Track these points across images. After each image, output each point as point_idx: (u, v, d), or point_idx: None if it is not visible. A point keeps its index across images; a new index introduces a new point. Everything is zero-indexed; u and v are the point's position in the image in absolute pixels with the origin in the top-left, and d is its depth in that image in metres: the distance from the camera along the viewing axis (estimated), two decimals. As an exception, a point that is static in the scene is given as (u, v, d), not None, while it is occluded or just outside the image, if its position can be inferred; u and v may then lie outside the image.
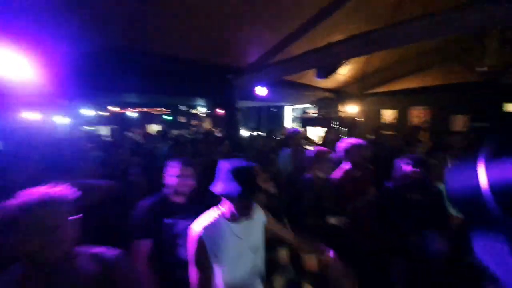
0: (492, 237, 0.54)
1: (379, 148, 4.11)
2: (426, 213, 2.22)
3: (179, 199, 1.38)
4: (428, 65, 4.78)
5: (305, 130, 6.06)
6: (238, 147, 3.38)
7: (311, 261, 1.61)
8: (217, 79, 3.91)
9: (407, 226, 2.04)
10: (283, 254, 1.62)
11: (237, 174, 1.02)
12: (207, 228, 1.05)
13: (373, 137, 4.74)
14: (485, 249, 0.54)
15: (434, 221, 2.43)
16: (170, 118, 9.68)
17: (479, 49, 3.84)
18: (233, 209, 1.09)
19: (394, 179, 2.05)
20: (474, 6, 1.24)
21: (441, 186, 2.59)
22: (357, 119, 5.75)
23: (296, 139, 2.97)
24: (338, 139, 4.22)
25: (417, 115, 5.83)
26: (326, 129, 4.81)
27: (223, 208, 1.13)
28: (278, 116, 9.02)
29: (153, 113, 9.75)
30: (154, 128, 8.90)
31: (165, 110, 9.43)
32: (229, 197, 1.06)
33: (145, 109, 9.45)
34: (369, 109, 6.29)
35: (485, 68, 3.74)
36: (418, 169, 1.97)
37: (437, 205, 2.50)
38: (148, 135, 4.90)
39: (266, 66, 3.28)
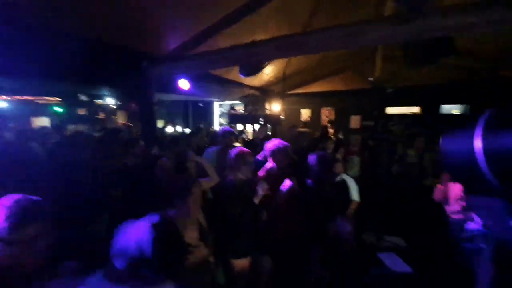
0: (488, 198, 0.58)
1: (300, 144, 4.50)
2: (335, 202, 2.55)
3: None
4: (336, 72, 5.58)
5: (234, 127, 6.05)
6: (153, 144, 2.94)
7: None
8: (130, 66, 3.28)
9: (322, 215, 2.28)
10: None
11: None
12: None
13: (303, 130, 5.21)
14: (483, 209, 0.59)
15: (341, 208, 2.83)
16: (62, 109, 7.63)
17: (370, 62, 4.72)
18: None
19: (310, 174, 2.24)
20: (379, 24, 1.42)
21: (344, 176, 3.05)
22: (281, 117, 6.16)
23: (229, 139, 2.85)
24: (267, 137, 4.39)
25: (326, 114, 6.83)
26: (258, 127, 4.92)
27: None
28: (206, 111, 8.66)
29: (40, 103, 7.47)
30: (43, 122, 6.90)
31: (57, 99, 7.34)
32: None
33: (28, 97, 7.12)
34: (291, 107, 6.88)
35: (373, 79, 4.63)
36: (326, 165, 2.22)
37: (342, 194, 2.93)
38: (22, 132, 3.66)
39: (187, 57, 2.96)
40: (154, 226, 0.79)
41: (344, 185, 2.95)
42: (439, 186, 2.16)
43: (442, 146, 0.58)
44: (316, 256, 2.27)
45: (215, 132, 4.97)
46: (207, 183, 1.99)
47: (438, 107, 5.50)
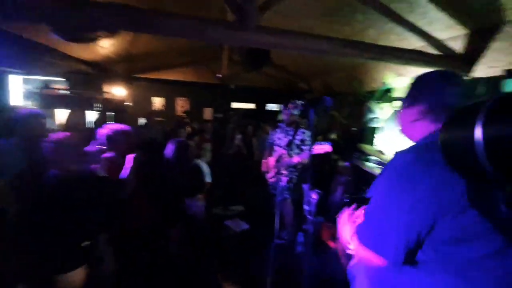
0: (484, 186, 0.57)
1: (152, 133, 4.21)
2: (191, 185, 2.72)
3: None
4: (188, 63, 5.70)
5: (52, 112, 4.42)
6: None
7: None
8: None
9: (177, 199, 2.36)
10: None
11: None
12: None
13: (146, 121, 4.76)
14: (479, 197, 0.58)
15: (196, 190, 3.05)
16: None
17: (219, 61, 5.29)
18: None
19: (167, 161, 2.24)
20: (218, 26, 1.65)
21: (199, 162, 3.31)
22: (127, 103, 5.37)
23: (33, 125, 2.01)
24: (83, 122, 3.62)
25: (181, 104, 6.84)
26: (69, 111, 3.90)
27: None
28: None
29: None
30: None
31: None
32: None
33: None
34: (140, 94, 6.17)
35: (221, 75, 5.24)
36: (183, 151, 2.34)
37: (197, 177, 3.15)
38: None
39: None
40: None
41: (198, 169, 3.21)
42: (263, 160, 2.94)
43: (441, 135, 0.58)
44: (174, 237, 2.32)
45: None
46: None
47: (265, 105, 7.31)
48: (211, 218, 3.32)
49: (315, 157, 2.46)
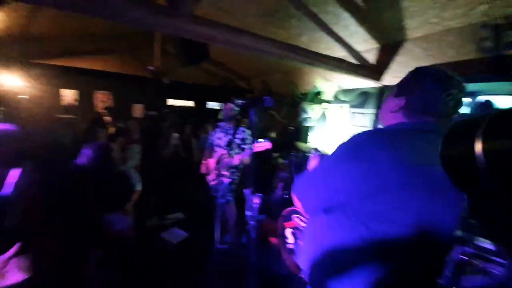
0: (483, 199, 0.55)
1: (57, 135, 3.40)
2: (112, 197, 2.29)
3: None
4: (111, 50, 4.87)
5: None
6: None
7: None
8: None
9: (93, 215, 1.93)
10: None
11: None
12: None
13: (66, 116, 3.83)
14: (477, 211, 0.59)
15: (121, 202, 2.61)
16: None
17: (150, 52, 4.71)
18: None
19: (82, 168, 1.80)
20: (140, 6, 1.38)
21: (123, 168, 2.87)
22: (22, 96, 4.19)
23: None
24: None
25: (102, 99, 5.81)
26: None
27: None
28: None
29: None
30: None
31: None
32: None
33: None
34: (43, 85, 4.91)
35: (153, 68, 4.70)
36: (102, 157, 1.93)
37: (122, 186, 2.71)
38: None
39: None
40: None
41: (124, 177, 2.76)
42: (203, 162, 2.75)
43: (442, 150, 0.56)
44: (91, 263, 1.89)
45: None
46: None
47: (205, 103, 6.99)
48: (144, 233, 2.92)
49: (256, 155, 2.45)
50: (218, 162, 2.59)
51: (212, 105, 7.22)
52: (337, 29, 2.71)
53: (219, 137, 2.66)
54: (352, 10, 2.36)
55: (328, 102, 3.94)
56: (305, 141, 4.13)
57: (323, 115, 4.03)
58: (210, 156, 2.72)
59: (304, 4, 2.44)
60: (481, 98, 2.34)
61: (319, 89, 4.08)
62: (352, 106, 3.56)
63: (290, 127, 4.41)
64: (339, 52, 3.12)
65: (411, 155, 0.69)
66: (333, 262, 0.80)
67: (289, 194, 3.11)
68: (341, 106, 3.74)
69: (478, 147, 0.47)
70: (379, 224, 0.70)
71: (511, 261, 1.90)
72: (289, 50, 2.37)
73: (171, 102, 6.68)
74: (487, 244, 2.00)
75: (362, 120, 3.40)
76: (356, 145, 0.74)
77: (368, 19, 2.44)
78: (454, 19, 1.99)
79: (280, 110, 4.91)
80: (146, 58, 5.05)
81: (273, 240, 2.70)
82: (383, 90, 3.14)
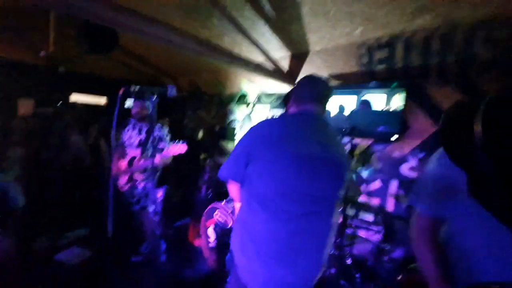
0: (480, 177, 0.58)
1: None
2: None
3: None
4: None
5: None
6: None
7: None
8: None
9: None
10: None
11: None
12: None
13: None
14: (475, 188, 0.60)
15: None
16: None
17: (43, 34, 3.80)
18: None
19: None
20: None
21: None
22: None
23: None
24: None
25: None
26: None
27: None
28: None
29: None
30: None
31: None
32: None
33: None
34: None
35: (45, 53, 3.82)
36: None
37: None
38: None
39: None
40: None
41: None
42: (112, 166, 2.40)
43: (442, 132, 0.62)
44: None
45: None
46: None
47: (123, 100, 6.15)
48: (31, 257, 2.31)
49: (175, 158, 2.32)
50: (130, 164, 2.31)
51: (130, 103, 6.45)
52: (255, 35, 2.89)
53: (131, 136, 2.39)
54: (266, 18, 2.57)
55: (252, 104, 4.15)
56: (232, 141, 4.21)
57: (248, 116, 4.22)
58: (121, 159, 2.40)
59: (223, 6, 2.49)
60: (364, 97, 2.93)
61: (244, 91, 4.25)
62: (273, 108, 3.87)
63: (218, 128, 4.41)
64: (259, 57, 3.33)
65: (290, 134, 1.01)
66: (239, 223, 1.07)
67: (214, 192, 3.09)
68: (263, 108, 4.01)
69: (477, 127, 0.52)
70: (259, 181, 1.00)
71: (383, 229, 2.42)
72: (211, 49, 2.37)
73: (76, 97, 5.58)
74: (367, 217, 2.52)
75: (281, 121, 3.73)
76: (252, 128, 1.09)
77: (279, 29, 2.71)
78: (341, 37, 2.44)
79: (210, 110, 4.84)
80: (38, 41, 4.04)
81: (197, 242, 2.62)
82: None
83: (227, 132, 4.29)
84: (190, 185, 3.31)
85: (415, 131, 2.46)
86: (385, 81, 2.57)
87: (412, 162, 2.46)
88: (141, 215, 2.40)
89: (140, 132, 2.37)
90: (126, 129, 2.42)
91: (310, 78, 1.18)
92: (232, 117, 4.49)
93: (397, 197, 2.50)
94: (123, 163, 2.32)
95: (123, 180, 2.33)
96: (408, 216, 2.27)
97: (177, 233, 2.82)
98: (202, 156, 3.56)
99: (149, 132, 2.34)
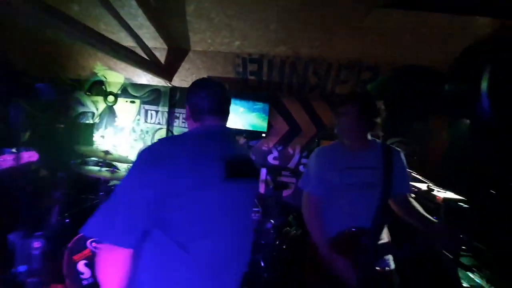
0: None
1: None
2: None
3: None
4: None
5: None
6: None
7: None
8: None
9: None
10: None
11: None
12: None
13: None
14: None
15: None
16: None
17: None
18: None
19: None
20: None
21: None
22: None
23: None
24: None
25: None
26: None
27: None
28: None
29: None
30: None
31: None
32: None
33: None
34: None
35: None
36: None
37: None
38: None
39: None
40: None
41: None
42: None
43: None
44: None
45: None
46: None
47: None
48: None
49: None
50: None
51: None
52: (123, 15, 2.40)
53: None
54: (141, 1, 2.23)
55: (115, 95, 3.41)
56: (90, 143, 3.27)
57: (111, 110, 3.44)
58: None
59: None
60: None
61: (101, 78, 3.39)
62: (144, 103, 3.42)
63: (58, 125, 3.21)
64: (127, 42, 2.80)
65: (196, 157, 0.78)
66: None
67: (71, 217, 2.32)
68: (132, 101, 3.43)
69: (484, 85, 0.61)
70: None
71: (260, 208, 2.97)
72: (61, 20, 1.67)
73: None
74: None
75: (156, 118, 3.41)
76: (140, 162, 0.76)
77: (156, 17, 2.44)
78: (222, 45, 2.64)
79: (35, 101, 3.34)
80: None
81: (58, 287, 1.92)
82: (174, 90, 3.37)
83: (78, 131, 3.25)
84: (33, 213, 2.22)
85: (276, 130, 3.24)
86: (255, 90, 3.13)
87: (275, 153, 3.24)
88: None
89: None
90: None
91: (210, 86, 0.92)
92: (82, 111, 3.43)
93: (266, 182, 3.21)
94: None
95: None
96: (274, 195, 3.01)
97: None
98: (43, 171, 2.48)
99: None
